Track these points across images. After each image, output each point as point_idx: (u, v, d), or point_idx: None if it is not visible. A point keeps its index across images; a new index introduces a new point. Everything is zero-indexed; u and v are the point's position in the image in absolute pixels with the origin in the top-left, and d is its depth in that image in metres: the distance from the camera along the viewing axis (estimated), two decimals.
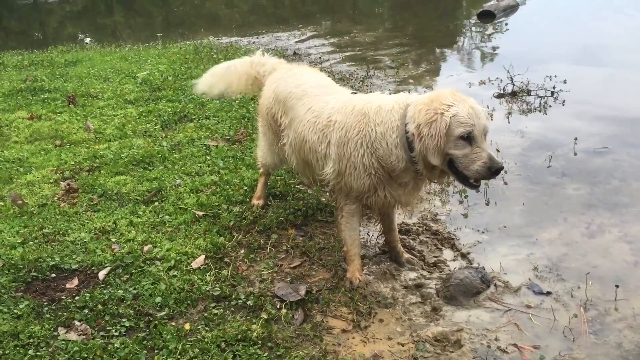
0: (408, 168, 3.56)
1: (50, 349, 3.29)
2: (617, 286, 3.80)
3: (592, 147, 6.13)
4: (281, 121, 4.29)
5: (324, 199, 5.08)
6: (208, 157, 5.97)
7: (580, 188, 5.31)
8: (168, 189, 5.26)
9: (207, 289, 3.83)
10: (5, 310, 3.61)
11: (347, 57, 11.40)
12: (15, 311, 3.60)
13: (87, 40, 17.55)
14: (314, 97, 4.06)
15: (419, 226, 4.79)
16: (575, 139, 6.14)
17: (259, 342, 3.35)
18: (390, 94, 8.06)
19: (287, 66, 4.64)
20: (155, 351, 3.30)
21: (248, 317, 3.59)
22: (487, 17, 13.91)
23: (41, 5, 25.87)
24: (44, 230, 4.56)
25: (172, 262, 4.10)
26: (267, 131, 4.56)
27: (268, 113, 4.43)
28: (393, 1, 19.91)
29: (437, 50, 12.02)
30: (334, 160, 3.77)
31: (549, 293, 3.88)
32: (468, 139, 3.31)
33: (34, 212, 4.93)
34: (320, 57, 11.21)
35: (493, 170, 3.31)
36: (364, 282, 3.96)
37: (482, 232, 4.72)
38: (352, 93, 4.07)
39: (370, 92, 8.47)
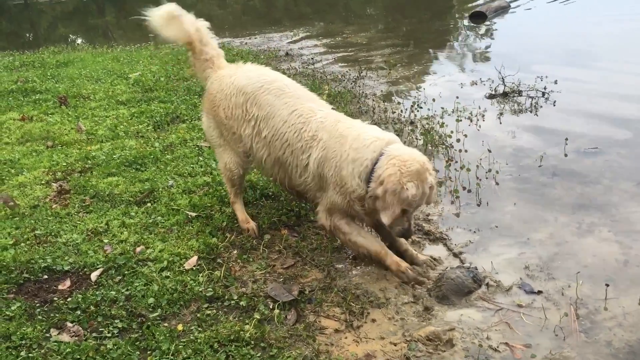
0: (363, 197, 3.90)
1: (42, 351, 3.28)
2: (607, 285, 3.83)
3: (583, 147, 6.17)
4: (249, 111, 4.28)
5: None
6: (200, 158, 5.97)
7: (571, 188, 5.35)
8: (160, 190, 5.26)
9: (200, 289, 3.83)
10: None
11: (340, 57, 11.43)
12: (7, 313, 3.59)
13: (79, 40, 17.49)
14: (295, 99, 4.22)
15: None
16: (566, 139, 6.18)
17: (252, 342, 3.36)
18: (382, 94, 8.05)
19: (227, 64, 4.68)
20: (148, 352, 3.30)
21: (241, 318, 3.60)
22: (478, 18, 13.98)
23: (32, 5, 25.76)
24: (35, 232, 4.55)
25: (165, 263, 4.10)
26: (222, 129, 4.48)
27: (221, 105, 4.39)
28: (385, 2, 19.98)
29: (429, 51, 12.07)
30: (313, 174, 4.08)
31: (540, 292, 3.90)
32: (405, 211, 3.82)
33: (26, 213, 4.91)
34: (312, 58, 11.23)
35: (405, 236, 4.08)
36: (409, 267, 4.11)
37: (474, 232, 4.74)
38: (332, 109, 4.31)
39: (362, 92, 8.52)
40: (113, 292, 3.79)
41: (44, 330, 3.46)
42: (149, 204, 5.02)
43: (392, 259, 4.09)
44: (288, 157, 4.18)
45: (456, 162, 5.87)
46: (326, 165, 3.98)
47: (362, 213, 4.03)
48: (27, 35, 20.57)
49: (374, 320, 3.64)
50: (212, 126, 4.59)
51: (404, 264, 4.06)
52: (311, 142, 4.05)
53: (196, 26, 4.64)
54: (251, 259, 4.27)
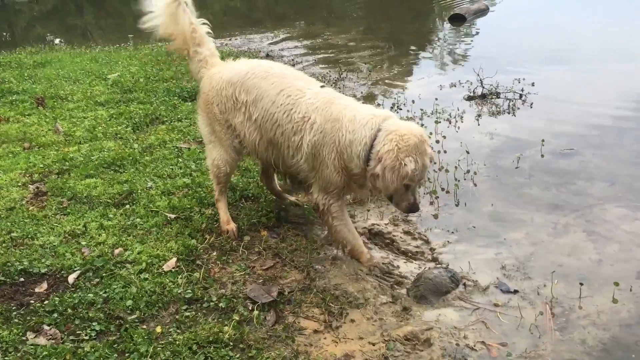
0: (363, 174, 3.95)
1: (18, 354, 3.25)
2: (581, 284, 3.91)
3: (559, 148, 6.28)
4: (239, 99, 4.30)
5: (293, 198, 5.11)
6: (180, 160, 5.94)
7: (547, 189, 5.44)
8: (139, 191, 5.22)
9: (179, 291, 3.82)
10: None
11: (320, 59, 11.45)
12: None
13: (57, 40, 17.29)
14: (281, 78, 4.22)
15: (391, 227, 4.85)
16: (543, 140, 6.28)
17: (231, 343, 3.36)
18: (362, 96, 8.08)
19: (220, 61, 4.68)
20: (126, 355, 3.28)
21: (220, 319, 3.60)
22: (458, 20, 14.10)
23: (9, 5, 25.40)
24: (12, 234, 4.49)
25: (144, 265, 4.08)
26: (215, 125, 4.48)
27: (215, 101, 4.41)
28: (366, 4, 20.03)
29: (410, 52, 12.14)
30: (306, 156, 4.06)
31: (516, 291, 3.97)
32: (408, 186, 3.81)
33: (2, 215, 4.84)
34: (293, 59, 11.23)
35: (412, 210, 3.99)
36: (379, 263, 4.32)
37: (452, 232, 4.80)
38: (321, 87, 4.24)
39: (343, 94, 8.54)
40: (91, 295, 3.75)
41: (20, 334, 3.42)
42: (127, 206, 4.98)
43: (367, 257, 4.29)
44: (279, 138, 4.18)
45: (435, 163, 5.90)
46: (324, 149, 3.99)
47: (357, 189, 4.10)
48: (4, 35, 20.27)
49: (352, 321, 3.66)
50: (205, 123, 4.60)
51: (375, 260, 4.33)
52: (302, 124, 4.04)
53: (192, 24, 4.55)
54: (230, 261, 4.26)
